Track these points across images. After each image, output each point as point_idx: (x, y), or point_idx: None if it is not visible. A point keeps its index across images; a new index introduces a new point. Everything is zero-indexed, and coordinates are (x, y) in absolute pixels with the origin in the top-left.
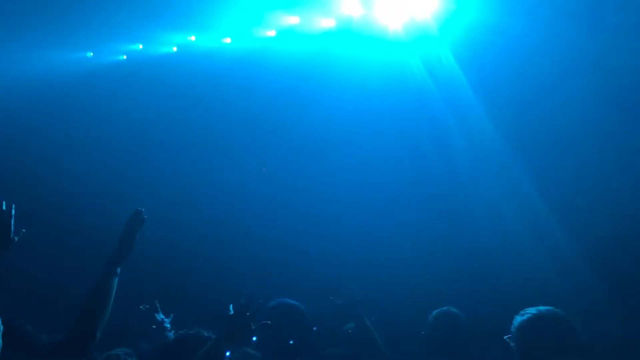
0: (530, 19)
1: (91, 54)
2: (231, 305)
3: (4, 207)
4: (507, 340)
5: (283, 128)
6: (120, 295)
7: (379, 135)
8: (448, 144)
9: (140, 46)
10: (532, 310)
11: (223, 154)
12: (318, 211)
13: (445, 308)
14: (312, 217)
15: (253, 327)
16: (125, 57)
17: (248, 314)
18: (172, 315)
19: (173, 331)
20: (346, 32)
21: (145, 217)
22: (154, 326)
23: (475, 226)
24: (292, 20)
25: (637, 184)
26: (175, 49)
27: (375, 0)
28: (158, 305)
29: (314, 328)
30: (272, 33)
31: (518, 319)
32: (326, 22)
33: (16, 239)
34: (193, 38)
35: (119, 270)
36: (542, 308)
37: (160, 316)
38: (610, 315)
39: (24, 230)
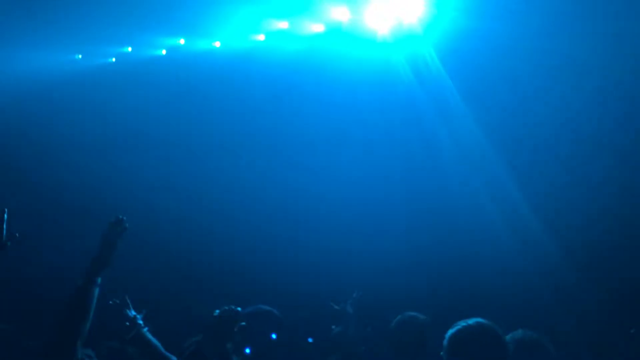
0: (505, 22)
1: (80, 56)
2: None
3: None
4: (442, 354)
5: (273, 130)
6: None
7: (366, 132)
8: (432, 138)
9: (130, 49)
10: (461, 323)
11: (213, 156)
12: (306, 210)
13: (409, 314)
14: (300, 215)
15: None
16: (114, 59)
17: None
18: (144, 311)
19: (147, 328)
20: (335, 36)
21: (127, 225)
22: (127, 323)
23: (458, 221)
24: (281, 24)
25: (622, 186)
26: (164, 52)
27: (364, 6)
28: (129, 300)
29: (309, 339)
30: (261, 37)
31: (449, 332)
32: (315, 27)
33: (9, 243)
34: (182, 41)
35: (99, 279)
36: (471, 321)
37: (131, 312)
38: (594, 317)
39: (17, 234)
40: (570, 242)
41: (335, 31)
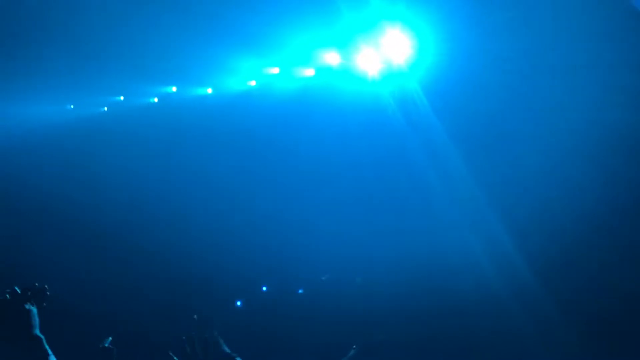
0: (485, 60)
1: (72, 106)
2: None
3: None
4: None
5: (265, 171)
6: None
7: (356, 169)
8: (419, 174)
9: (122, 98)
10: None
11: (208, 200)
12: (297, 246)
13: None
14: (290, 254)
15: None
16: (106, 108)
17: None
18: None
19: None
20: (326, 77)
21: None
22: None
23: (444, 257)
24: (272, 70)
25: (610, 226)
26: (156, 99)
27: (354, 50)
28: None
29: None
30: (252, 83)
31: None
32: (306, 72)
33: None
34: (174, 89)
35: None
36: None
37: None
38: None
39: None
40: (558, 283)
41: (326, 74)
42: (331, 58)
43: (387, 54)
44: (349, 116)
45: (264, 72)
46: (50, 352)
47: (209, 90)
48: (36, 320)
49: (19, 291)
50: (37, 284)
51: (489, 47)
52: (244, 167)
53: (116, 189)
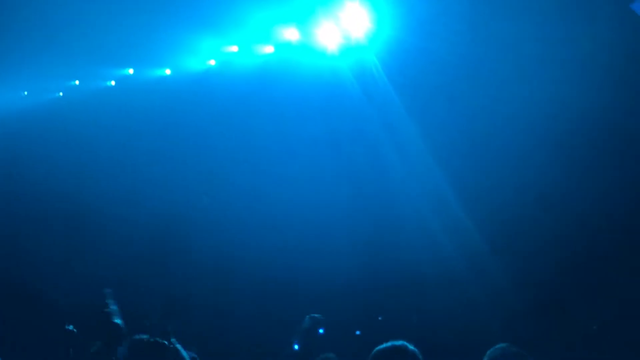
0: (435, 33)
1: (26, 92)
2: None
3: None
4: None
5: (226, 148)
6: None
7: (314, 141)
8: (372, 137)
9: (77, 82)
10: (380, 347)
11: (169, 182)
12: (257, 215)
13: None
14: (250, 219)
15: None
16: (61, 94)
17: None
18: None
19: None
20: (285, 54)
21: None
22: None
23: (399, 226)
24: (231, 49)
25: (558, 186)
26: (113, 82)
27: (313, 25)
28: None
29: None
30: (212, 62)
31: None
32: (266, 49)
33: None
34: (131, 71)
35: None
36: (396, 343)
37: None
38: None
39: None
40: (504, 245)
41: (285, 51)
42: (290, 34)
43: (346, 28)
44: (309, 91)
45: (223, 50)
46: None
47: (167, 72)
48: None
49: None
50: None
51: (446, 20)
52: (207, 147)
53: (75, 176)
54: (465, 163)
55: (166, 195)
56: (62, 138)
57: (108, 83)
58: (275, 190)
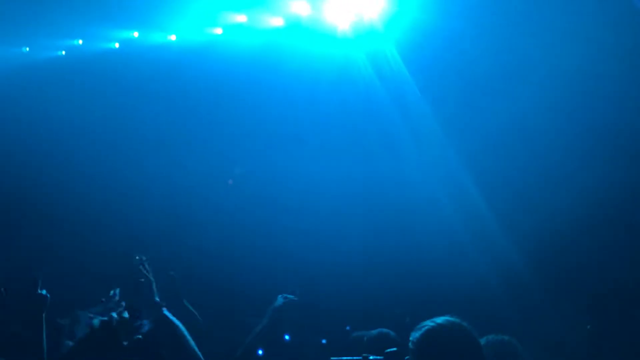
0: (464, 20)
1: (27, 49)
2: None
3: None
4: None
5: (228, 125)
6: None
7: (324, 129)
8: (391, 134)
9: (80, 42)
10: (428, 323)
11: (168, 151)
12: (261, 206)
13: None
14: (254, 211)
15: None
16: (64, 52)
17: None
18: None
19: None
20: (294, 30)
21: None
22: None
23: (416, 217)
24: (239, 18)
25: (579, 182)
26: (117, 45)
27: (324, 1)
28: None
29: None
30: (219, 31)
31: (415, 335)
32: (274, 21)
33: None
34: (136, 34)
35: None
36: (439, 320)
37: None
38: (546, 313)
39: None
40: (526, 240)
41: (294, 26)
42: (301, 7)
43: (361, 6)
44: (317, 71)
45: (230, 19)
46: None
47: (172, 37)
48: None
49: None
50: None
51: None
52: (204, 119)
53: (74, 139)
54: (486, 150)
55: (166, 168)
56: (62, 97)
57: (112, 45)
58: (283, 172)
